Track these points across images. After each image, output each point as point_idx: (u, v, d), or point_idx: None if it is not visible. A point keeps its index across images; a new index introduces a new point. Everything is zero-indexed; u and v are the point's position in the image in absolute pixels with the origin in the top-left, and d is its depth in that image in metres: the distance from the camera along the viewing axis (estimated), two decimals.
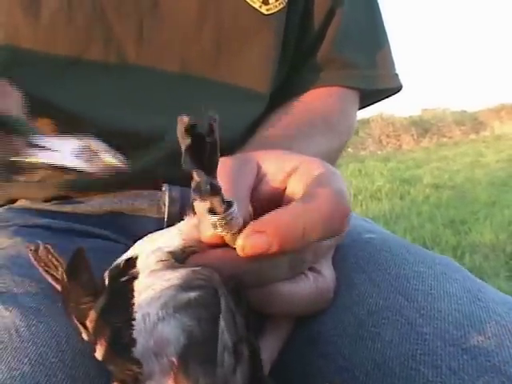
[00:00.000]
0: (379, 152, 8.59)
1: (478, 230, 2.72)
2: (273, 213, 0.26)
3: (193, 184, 0.19)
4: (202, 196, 0.19)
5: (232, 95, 0.47)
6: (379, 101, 0.59)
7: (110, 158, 0.38)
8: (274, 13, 0.47)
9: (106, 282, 0.16)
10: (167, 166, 0.41)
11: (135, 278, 0.17)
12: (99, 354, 0.18)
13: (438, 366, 0.28)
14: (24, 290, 0.33)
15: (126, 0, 0.43)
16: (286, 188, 0.30)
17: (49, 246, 0.27)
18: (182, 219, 0.28)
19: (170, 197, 0.45)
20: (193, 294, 0.21)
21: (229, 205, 0.23)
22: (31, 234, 0.40)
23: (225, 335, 0.18)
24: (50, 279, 0.27)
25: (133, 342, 0.18)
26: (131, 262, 0.17)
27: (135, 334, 0.19)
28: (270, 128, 0.46)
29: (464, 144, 8.86)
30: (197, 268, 0.22)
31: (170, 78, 0.44)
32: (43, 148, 0.35)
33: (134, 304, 0.17)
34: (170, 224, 0.30)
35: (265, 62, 0.48)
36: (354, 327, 0.32)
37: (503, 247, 2.44)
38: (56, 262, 0.25)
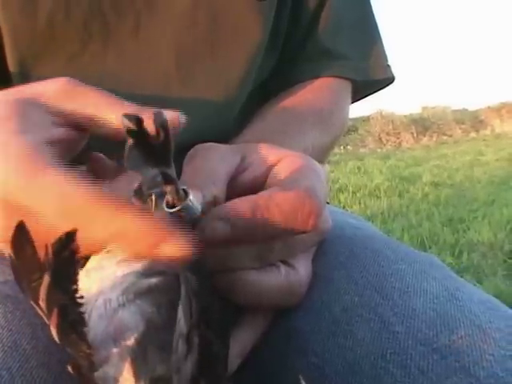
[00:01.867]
0: (379, 150, 8.59)
1: (476, 229, 2.72)
2: (235, 200, 0.26)
3: (136, 185, 0.19)
4: (142, 198, 0.19)
5: (227, 82, 0.46)
6: (372, 93, 0.59)
7: None
8: None
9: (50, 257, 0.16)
10: None
11: (76, 252, 0.17)
12: (54, 335, 0.18)
13: (407, 365, 0.27)
14: (3, 279, 0.33)
15: None
16: (267, 179, 0.30)
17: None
18: None
19: None
20: (153, 281, 0.21)
21: (185, 194, 0.23)
22: None
23: (181, 322, 0.18)
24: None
25: (81, 320, 0.17)
26: (71, 236, 0.16)
27: (96, 319, 0.18)
28: (261, 122, 0.46)
29: (464, 142, 8.87)
30: None
31: (166, 71, 0.44)
32: None
33: (77, 280, 0.17)
34: None
35: (254, 47, 0.47)
36: (327, 324, 0.31)
37: (501, 246, 2.44)
38: None
